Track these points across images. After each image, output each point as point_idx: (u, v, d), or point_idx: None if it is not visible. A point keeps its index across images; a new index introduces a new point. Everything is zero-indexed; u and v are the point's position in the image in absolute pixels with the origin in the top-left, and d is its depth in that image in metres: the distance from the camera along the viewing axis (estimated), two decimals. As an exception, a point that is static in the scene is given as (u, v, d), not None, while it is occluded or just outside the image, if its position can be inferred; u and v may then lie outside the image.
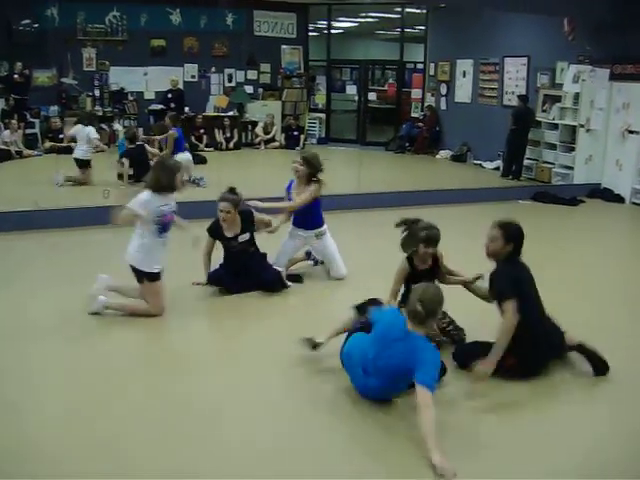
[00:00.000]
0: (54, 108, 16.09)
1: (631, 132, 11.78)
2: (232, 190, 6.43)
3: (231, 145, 16.87)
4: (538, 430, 4.15)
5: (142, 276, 5.74)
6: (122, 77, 16.94)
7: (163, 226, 5.70)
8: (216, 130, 16.97)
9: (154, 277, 5.76)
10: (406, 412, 4.24)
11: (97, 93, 16.79)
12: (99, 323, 5.70)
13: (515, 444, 4.01)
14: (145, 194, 5.65)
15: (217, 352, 5.40)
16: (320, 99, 19.24)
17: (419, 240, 5.20)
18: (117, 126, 16.79)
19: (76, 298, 6.01)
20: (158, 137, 12.86)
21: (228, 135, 17.01)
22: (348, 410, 4.32)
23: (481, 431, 4.14)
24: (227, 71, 17.98)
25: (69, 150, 14.93)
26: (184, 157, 11.79)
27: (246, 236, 6.46)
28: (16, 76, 15.46)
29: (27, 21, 15.61)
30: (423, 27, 17.98)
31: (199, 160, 13.49)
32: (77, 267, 7.30)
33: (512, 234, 4.88)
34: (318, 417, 4.27)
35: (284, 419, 4.25)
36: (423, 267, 5.34)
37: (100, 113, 16.61)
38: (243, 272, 6.45)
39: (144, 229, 5.67)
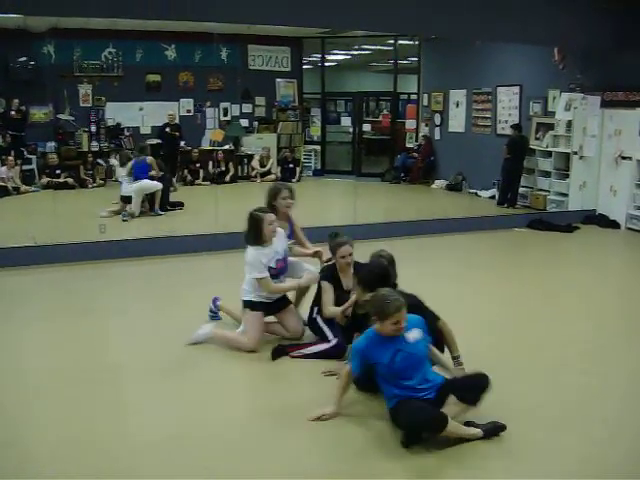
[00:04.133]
0: (51, 144, 16.19)
1: (624, 158, 11.86)
2: (336, 235, 5.90)
3: (227, 179, 16.91)
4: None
5: (245, 306, 5.83)
6: (118, 112, 17.05)
7: (277, 275, 5.80)
8: (210, 163, 17.04)
9: (254, 307, 5.79)
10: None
11: (94, 129, 16.86)
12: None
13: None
14: (250, 253, 5.72)
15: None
16: (315, 131, 19.38)
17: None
18: (114, 161, 16.85)
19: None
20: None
21: (223, 169, 17.07)
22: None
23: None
24: (222, 105, 18.10)
25: (66, 186, 15.09)
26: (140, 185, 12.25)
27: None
28: (13, 113, 15.55)
29: (24, 58, 15.72)
30: (416, 58, 18.16)
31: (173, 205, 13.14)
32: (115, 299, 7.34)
33: (367, 282, 4.92)
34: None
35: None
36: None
37: (97, 149, 16.71)
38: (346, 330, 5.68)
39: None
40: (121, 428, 4.46)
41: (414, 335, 4.39)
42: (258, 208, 5.88)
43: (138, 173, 12.41)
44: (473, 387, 4.36)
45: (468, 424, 4.28)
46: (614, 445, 4.24)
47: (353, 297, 5.45)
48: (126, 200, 12.19)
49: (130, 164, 12.59)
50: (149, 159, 12.73)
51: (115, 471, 3.92)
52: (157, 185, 12.37)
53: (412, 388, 4.28)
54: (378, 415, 4.56)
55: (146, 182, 12.30)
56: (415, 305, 4.70)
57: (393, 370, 4.29)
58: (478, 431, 4.24)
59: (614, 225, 11.98)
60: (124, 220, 11.65)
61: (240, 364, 5.59)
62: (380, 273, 4.95)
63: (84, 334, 6.29)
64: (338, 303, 5.66)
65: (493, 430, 4.27)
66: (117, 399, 4.91)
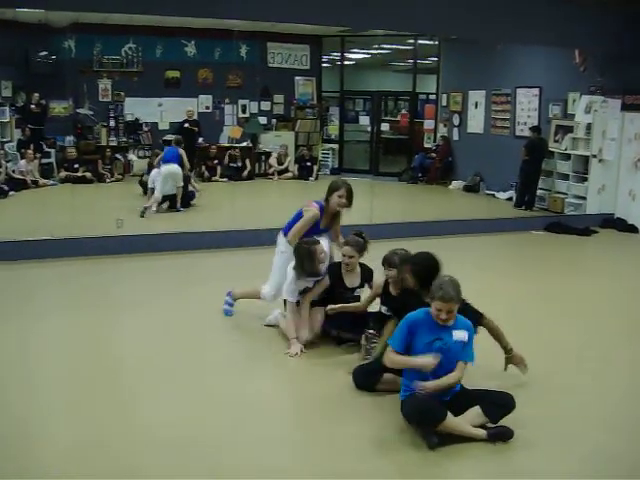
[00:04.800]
0: (70, 138, 16.27)
1: (644, 162, 11.80)
2: (359, 234, 5.97)
3: (244, 175, 16.92)
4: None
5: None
6: (137, 108, 17.11)
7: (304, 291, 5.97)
8: (226, 159, 17.05)
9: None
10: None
11: (112, 124, 16.94)
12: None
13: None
14: (290, 279, 5.87)
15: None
16: (333, 130, 19.37)
17: (382, 265, 5.49)
18: (131, 156, 16.94)
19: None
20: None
21: (239, 165, 17.09)
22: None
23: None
24: (241, 102, 18.12)
25: (84, 180, 15.16)
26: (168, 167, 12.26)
27: (361, 291, 5.93)
28: (33, 106, 15.65)
29: (44, 52, 15.83)
30: (435, 58, 18.12)
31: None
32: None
33: (420, 272, 4.97)
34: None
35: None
36: (394, 293, 5.49)
37: (115, 143, 16.78)
38: (359, 319, 5.77)
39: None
40: (129, 427, 4.47)
41: (459, 335, 4.43)
42: (305, 241, 5.88)
43: (169, 157, 12.46)
44: (500, 405, 4.39)
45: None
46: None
47: (379, 280, 5.61)
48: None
49: (160, 156, 12.64)
50: (181, 150, 12.77)
51: (121, 471, 3.93)
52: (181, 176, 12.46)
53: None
54: (376, 414, 4.56)
55: (176, 167, 12.36)
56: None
57: (428, 354, 4.33)
58: (482, 432, 4.25)
59: (632, 229, 11.91)
60: (143, 214, 11.69)
61: (255, 363, 5.62)
62: (434, 265, 4.97)
63: (98, 328, 6.32)
64: (339, 300, 5.81)
65: (499, 435, 4.26)
66: (125, 397, 4.93)
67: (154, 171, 12.61)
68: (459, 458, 4.12)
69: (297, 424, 4.64)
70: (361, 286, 5.91)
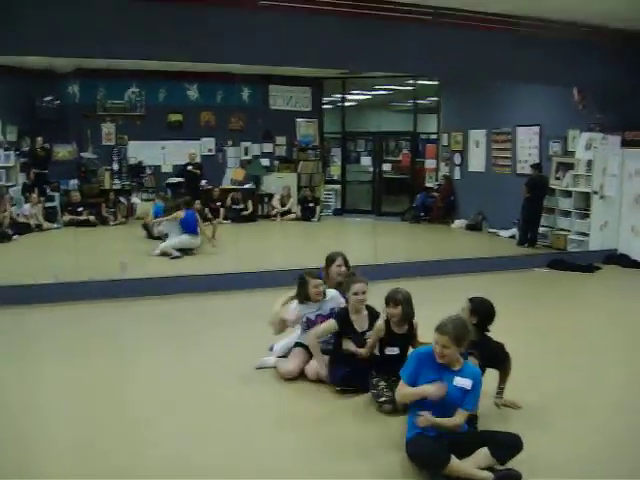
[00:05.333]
0: (74, 182, 16.43)
1: (645, 198, 11.83)
2: (353, 274, 6.28)
3: (247, 216, 16.99)
4: None
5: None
6: (140, 151, 17.26)
7: (307, 328, 6.19)
8: (233, 203, 17.15)
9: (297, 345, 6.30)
10: None
11: (116, 167, 17.08)
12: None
13: None
14: (293, 304, 6.32)
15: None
16: (335, 170, 19.50)
17: (385, 304, 5.53)
18: (135, 199, 17.03)
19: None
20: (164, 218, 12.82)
21: (242, 206, 17.16)
22: None
23: None
24: (243, 144, 18.28)
25: (88, 223, 15.24)
26: (182, 238, 12.20)
27: (379, 325, 5.67)
28: (37, 150, 15.78)
29: (49, 98, 16.03)
30: (435, 98, 18.28)
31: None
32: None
33: (478, 309, 5.24)
34: None
35: None
36: (399, 331, 5.55)
37: (119, 187, 16.89)
38: (364, 368, 5.71)
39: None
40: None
41: (461, 382, 4.41)
42: (308, 271, 6.35)
43: (190, 228, 12.36)
44: (508, 446, 4.34)
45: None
46: None
47: (380, 322, 5.60)
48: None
49: (175, 215, 12.41)
50: (197, 213, 12.77)
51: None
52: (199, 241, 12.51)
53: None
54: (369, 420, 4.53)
55: (196, 242, 12.40)
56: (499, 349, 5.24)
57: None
58: (489, 475, 4.18)
59: (636, 265, 11.89)
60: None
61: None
62: (492, 307, 5.25)
63: (103, 372, 6.30)
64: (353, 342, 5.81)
65: (507, 477, 4.19)
66: (130, 438, 4.91)
67: (169, 223, 12.46)
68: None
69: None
70: (370, 329, 5.83)
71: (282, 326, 6.35)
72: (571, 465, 4.50)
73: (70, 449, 4.75)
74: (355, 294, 5.82)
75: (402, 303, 5.42)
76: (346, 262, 6.60)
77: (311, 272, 6.32)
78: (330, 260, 6.58)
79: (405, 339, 5.55)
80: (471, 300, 5.23)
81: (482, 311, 5.17)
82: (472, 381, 4.44)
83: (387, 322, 5.55)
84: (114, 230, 15.48)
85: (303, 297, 6.21)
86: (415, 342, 5.58)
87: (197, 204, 13.39)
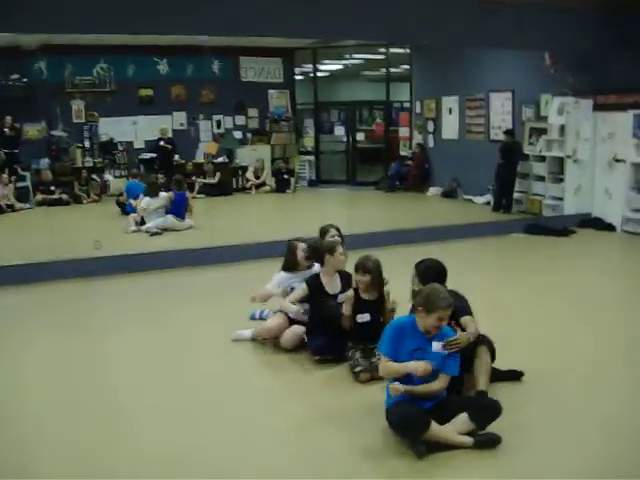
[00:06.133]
0: (45, 161, 16.21)
1: (618, 161, 11.87)
2: (326, 232, 6.54)
3: (223, 189, 16.92)
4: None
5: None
6: (111, 127, 17.07)
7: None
8: (207, 176, 17.04)
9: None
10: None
11: (87, 144, 16.89)
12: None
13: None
14: (280, 274, 6.35)
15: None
16: (309, 141, 19.40)
17: (355, 270, 5.54)
18: (108, 176, 16.88)
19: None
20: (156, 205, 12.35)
21: (216, 181, 17.03)
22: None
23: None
24: (215, 117, 18.14)
25: (60, 202, 15.09)
26: (167, 219, 12.07)
27: (342, 297, 5.73)
28: (6, 130, 15.56)
29: (16, 76, 15.76)
30: (408, 66, 18.20)
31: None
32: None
33: (426, 275, 5.04)
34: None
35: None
36: (369, 298, 5.54)
37: (91, 164, 16.71)
38: (340, 337, 5.67)
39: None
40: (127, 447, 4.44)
41: (437, 347, 4.38)
42: (295, 238, 6.46)
43: (178, 209, 12.23)
44: (487, 411, 4.37)
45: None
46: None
47: (349, 292, 5.58)
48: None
49: (167, 197, 12.25)
50: (188, 194, 12.64)
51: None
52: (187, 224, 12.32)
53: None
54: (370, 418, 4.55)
55: (184, 225, 12.23)
56: (463, 307, 4.89)
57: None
58: (469, 440, 4.21)
59: (610, 228, 11.97)
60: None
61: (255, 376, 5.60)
62: (439, 268, 5.13)
63: (85, 351, 6.25)
64: (324, 310, 5.79)
65: (486, 442, 4.22)
66: (118, 417, 4.88)
67: (153, 214, 12.17)
68: (446, 467, 4.08)
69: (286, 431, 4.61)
70: (342, 291, 5.86)
71: (266, 296, 6.39)
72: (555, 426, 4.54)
73: (54, 434, 4.71)
74: (342, 255, 5.91)
75: (372, 271, 5.43)
76: (339, 232, 6.71)
77: (298, 238, 6.44)
78: (323, 232, 6.66)
79: (375, 305, 5.54)
80: (417, 267, 5.17)
81: (431, 275, 5.00)
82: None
83: (356, 290, 5.57)
84: (88, 208, 15.35)
85: (291, 265, 6.31)
86: (385, 310, 5.57)
87: (177, 177, 13.21)
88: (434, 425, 4.18)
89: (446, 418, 4.28)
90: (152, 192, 12.31)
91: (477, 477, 4.01)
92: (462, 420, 4.28)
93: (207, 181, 16.92)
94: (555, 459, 4.12)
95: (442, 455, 4.16)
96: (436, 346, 4.37)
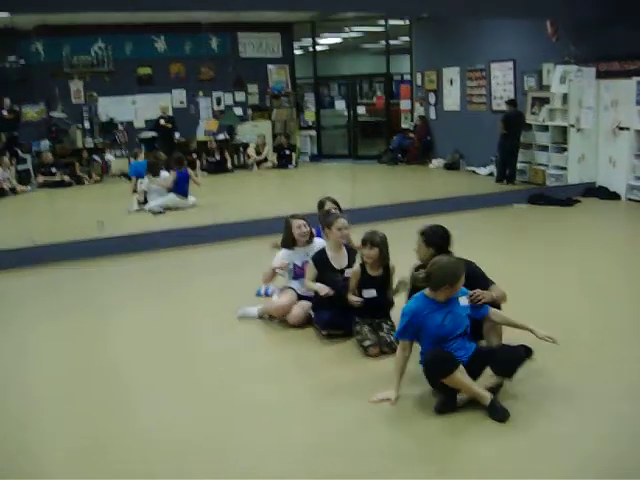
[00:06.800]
0: (45, 142, 16.16)
1: (621, 129, 11.77)
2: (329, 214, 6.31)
3: (225, 166, 16.87)
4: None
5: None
6: (111, 107, 16.99)
7: (295, 276, 6.21)
8: (208, 154, 16.99)
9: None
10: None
11: (87, 125, 16.82)
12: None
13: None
14: (281, 251, 6.30)
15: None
16: (310, 116, 19.29)
17: (362, 244, 5.49)
18: (109, 157, 16.83)
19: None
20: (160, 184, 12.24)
21: (218, 158, 16.97)
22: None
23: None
24: (215, 94, 18.06)
25: (62, 184, 15.06)
26: (170, 197, 12.00)
27: (350, 272, 5.75)
28: (5, 113, 15.49)
29: (13, 58, 15.66)
30: (407, 38, 18.06)
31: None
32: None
33: (431, 239, 5.05)
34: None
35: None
36: (374, 274, 5.52)
37: (91, 145, 16.65)
38: (347, 312, 5.66)
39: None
40: (127, 430, 4.43)
41: (464, 301, 4.57)
42: (291, 215, 6.35)
43: (181, 187, 12.15)
44: (508, 360, 4.44)
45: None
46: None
47: (355, 267, 5.62)
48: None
49: (171, 175, 12.13)
50: (190, 171, 12.58)
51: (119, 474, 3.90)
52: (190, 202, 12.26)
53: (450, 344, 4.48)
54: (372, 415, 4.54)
55: (188, 203, 12.17)
56: (473, 272, 4.88)
57: (442, 332, 4.45)
58: (488, 395, 4.28)
59: (614, 197, 11.90)
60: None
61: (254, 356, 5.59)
62: (445, 232, 5.12)
63: (90, 332, 6.25)
64: (329, 283, 5.75)
65: (498, 411, 4.23)
66: (122, 399, 4.87)
67: (154, 192, 12.12)
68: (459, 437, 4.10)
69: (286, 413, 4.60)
70: (349, 266, 5.85)
71: (272, 276, 6.36)
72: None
73: (60, 412, 4.71)
74: (339, 229, 5.85)
75: (379, 245, 5.41)
76: (337, 204, 6.68)
77: (295, 215, 6.33)
78: (321, 205, 6.67)
79: (381, 281, 5.53)
80: (422, 233, 5.11)
81: (437, 239, 5.03)
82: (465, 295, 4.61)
83: (362, 265, 5.55)
84: (90, 189, 15.31)
85: (290, 242, 6.22)
86: (390, 285, 5.58)
87: (177, 155, 13.08)
88: (462, 370, 4.27)
89: (475, 374, 4.37)
90: (153, 171, 12.24)
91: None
92: (487, 375, 4.40)
93: (212, 159, 16.87)
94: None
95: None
96: (463, 300, 4.56)
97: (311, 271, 5.92)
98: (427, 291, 4.52)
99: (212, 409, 4.63)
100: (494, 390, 4.37)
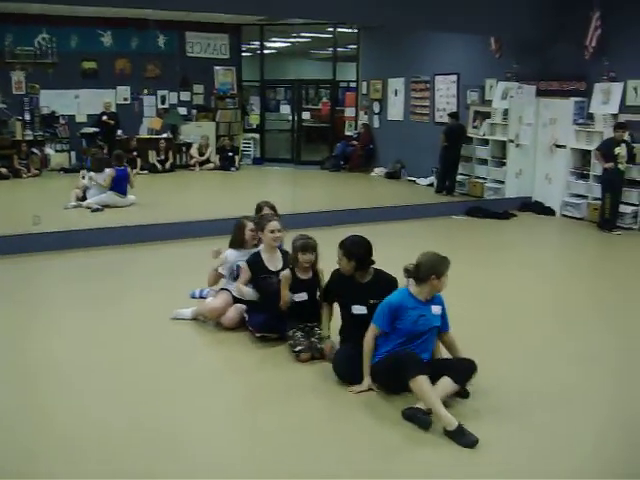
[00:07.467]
0: (-18, 133, 15.83)
1: (558, 146, 12.07)
2: (261, 209, 6.51)
3: (167, 166, 16.78)
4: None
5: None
6: (53, 100, 16.71)
7: (236, 277, 6.13)
8: (150, 152, 16.86)
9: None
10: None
11: (28, 117, 16.51)
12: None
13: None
14: (227, 252, 6.27)
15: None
16: (254, 119, 19.29)
17: (296, 249, 5.52)
18: (49, 150, 16.57)
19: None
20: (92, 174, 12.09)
21: (163, 157, 16.89)
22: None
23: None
24: (160, 93, 17.92)
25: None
26: (109, 195, 11.86)
27: (286, 274, 5.67)
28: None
29: (-47, 45, 15.34)
30: (355, 46, 18.19)
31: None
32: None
33: (351, 251, 5.10)
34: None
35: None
36: (304, 277, 5.58)
37: (31, 137, 16.36)
38: (281, 315, 5.69)
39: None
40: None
41: (436, 310, 4.77)
42: (244, 216, 6.39)
43: (119, 185, 11.98)
44: (465, 371, 4.62)
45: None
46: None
47: (286, 272, 5.62)
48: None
49: (109, 173, 11.90)
50: (129, 170, 12.41)
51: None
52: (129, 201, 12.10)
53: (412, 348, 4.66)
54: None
55: (128, 201, 12.02)
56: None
57: (414, 330, 4.65)
58: (453, 420, 4.15)
59: (549, 212, 12.18)
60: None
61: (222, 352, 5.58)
62: (366, 243, 5.16)
63: (9, 331, 6.15)
64: (266, 287, 5.80)
65: (462, 440, 4.10)
66: (47, 400, 4.83)
67: (93, 188, 11.95)
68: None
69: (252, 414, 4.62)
70: (283, 268, 5.85)
71: (215, 277, 6.36)
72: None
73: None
74: (272, 232, 5.88)
75: (315, 249, 5.51)
76: (274, 209, 6.68)
77: (248, 217, 6.39)
78: (258, 209, 6.67)
79: (311, 284, 5.59)
80: (342, 245, 5.16)
81: (356, 250, 5.09)
82: (440, 305, 4.83)
83: (291, 269, 5.60)
84: (28, 182, 15.04)
85: (238, 243, 6.25)
86: (320, 287, 5.62)
87: (117, 152, 12.92)
88: (425, 377, 4.34)
89: (432, 380, 4.42)
90: (98, 167, 12.07)
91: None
92: (448, 382, 4.48)
93: (159, 158, 16.78)
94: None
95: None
96: (435, 309, 4.76)
97: (245, 274, 5.93)
98: (411, 288, 4.73)
99: (145, 411, 4.58)
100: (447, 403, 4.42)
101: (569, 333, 6.20)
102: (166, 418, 4.48)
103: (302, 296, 5.57)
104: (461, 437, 4.09)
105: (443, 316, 4.86)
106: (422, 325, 4.67)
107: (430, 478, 3.82)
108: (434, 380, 4.43)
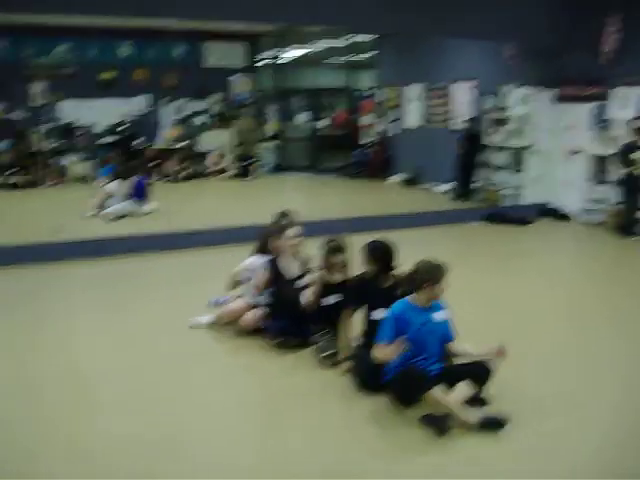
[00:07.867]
0: (3, 143, 15.97)
1: (576, 152, 12.02)
2: (284, 215, 6.59)
3: (184, 175, 16.86)
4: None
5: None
6: (72, 111, 16.85)
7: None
8: (167, 162, 16.95)
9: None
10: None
11: (46, 128, 16.65)
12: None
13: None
14: (252, 258, 6.33)
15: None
16: (271, 128, 19.33)
17: (328, 251, 5.57)
18: (67, 160, 16.68)
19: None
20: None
21: (180, 167, 16.96)
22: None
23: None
24: (177, 102, 18.00)
25: (19, 186, 14.87)
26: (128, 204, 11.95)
27: (305, 282, 5.83)
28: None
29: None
30: (372, 54, 18.21)
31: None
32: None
33: (373, 255, 5.23)
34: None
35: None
36: (334, 281, 5.60)
37: (49, 148, 16.49)
38: (302, 321, 5.77)
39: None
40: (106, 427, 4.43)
41: (440, 316, 4.77)
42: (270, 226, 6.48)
43: (139, 193, 12.14)
44: (482, 375, 4.61)
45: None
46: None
47: (317, 275, 5.65)
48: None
49: (131, 182, 12.12)
50: (146, 181, 12.52)
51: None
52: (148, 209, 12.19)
53: (422, 360, 4.66)
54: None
55: (143, 210, 12.08)
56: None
57: (419, 338, 4.63)
58: (474, 418, 4.31)
59: (567, 218, 12.12)
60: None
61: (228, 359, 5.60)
62: (387, 246, 5.24)
63: (30, 341, 6.18)
64: (287, 294, 5.81)
65: (493, 422, 4.30)
66: (73, 405, 4.86)
67: (117, 197, 12.07)
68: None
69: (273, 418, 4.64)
70: (302, 275, 5.88)
71: (235, 283, 6.43)
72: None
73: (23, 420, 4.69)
74: (291, 238, 5.91)
75: (346, 250, 5.54)
76: (291, 218, 6.71)
77: (282, 224, 6.37)
78: (278, 218, 6.70)
79: (341, 288, 5.55)
80: (365, 249, 5.25)
81: (379, 254, 5.19)
82: (444, 311, 4.82)
83: (321, 273, 5.61)
84: (47, 192, 15.15)
85: (262, 248, 6.27)
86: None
87: (134, 163, 13.04)
88: (437, 389, 4.40)
89: (449, 387, 4.49)
90: (124, 175, 12.21)
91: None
92: (464, 387, 4.51)
93: (179, 167, 16.89)
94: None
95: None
96: (439, 315, 4.76)
97: (264, 278, 5.94)
98: (410, 297, 4.73)
99: (165, 416, 4.62)
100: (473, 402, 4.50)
101: (582, 339, 6.18)
102: (185, 423, 4.52)
103: (329, 300, 5.57)
104: (490, 423, 4.29)
105: (448, 326, 4.83)
106: (426, 332, 4.67)
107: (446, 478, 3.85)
108: (452, 386, 4.48)
